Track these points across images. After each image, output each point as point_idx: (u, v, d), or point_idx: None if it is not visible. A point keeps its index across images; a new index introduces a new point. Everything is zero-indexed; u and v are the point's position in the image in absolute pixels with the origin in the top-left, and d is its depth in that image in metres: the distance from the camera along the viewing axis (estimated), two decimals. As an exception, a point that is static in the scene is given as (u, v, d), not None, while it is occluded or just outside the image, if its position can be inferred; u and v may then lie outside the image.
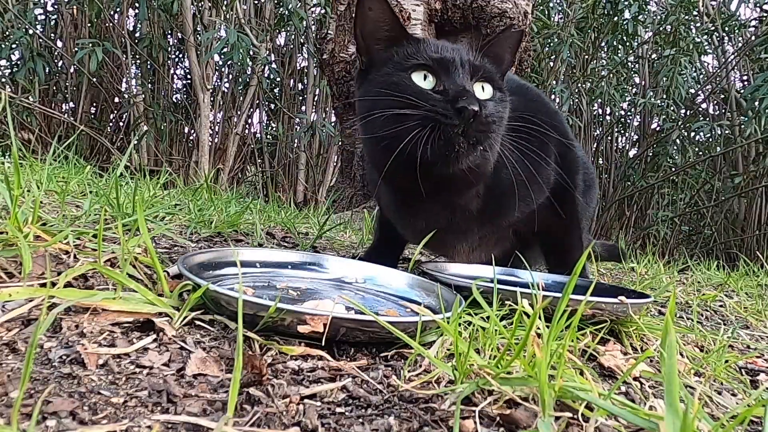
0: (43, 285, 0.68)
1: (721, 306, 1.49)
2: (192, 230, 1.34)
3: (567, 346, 0.54)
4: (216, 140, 5.27)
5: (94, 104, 5.32)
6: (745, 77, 5.48)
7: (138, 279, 0.78)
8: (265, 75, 5.07)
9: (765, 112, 3.97)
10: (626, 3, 4.67)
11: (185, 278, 0.74)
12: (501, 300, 0.83)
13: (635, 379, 0.74)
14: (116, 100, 5.30)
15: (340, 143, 3.50)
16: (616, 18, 4.84)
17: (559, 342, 0.59)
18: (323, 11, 5.19)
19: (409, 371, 0.63)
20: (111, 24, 4.92)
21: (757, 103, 4.06)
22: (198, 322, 0.69)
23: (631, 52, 5.56)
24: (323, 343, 0.64)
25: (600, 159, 6.06)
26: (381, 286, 0.93)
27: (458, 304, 0.73)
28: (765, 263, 2.34)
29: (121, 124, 5.35)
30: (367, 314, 0.63)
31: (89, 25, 5.00)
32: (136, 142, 4.53)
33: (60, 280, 0.68)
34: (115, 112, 5.38)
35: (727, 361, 0.82)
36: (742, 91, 5.21)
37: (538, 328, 0.75)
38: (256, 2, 5.28)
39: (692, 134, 5.74)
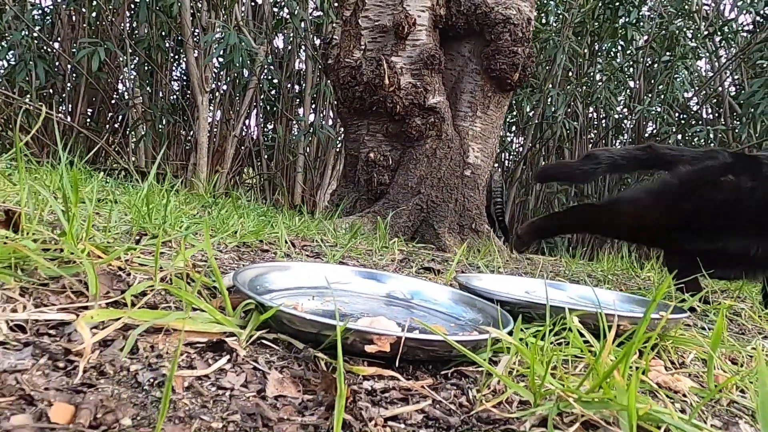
0: (111, 304, 0.70)
1: (735, 315, 1.53)
2: (219, 241, 1.35)
3: (641, 371, 0.56)
4: (215, 142, 5.26)
5: (91, 106, 5.29)
6: (737, 80, 5.55)
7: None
8: (265, 77, 5.07)
9: (761, 117, 4.03)
10: (626, 9, 4.71)
11: (243, 295, 0.75)
12: (540, 315, 0.85)
13: (679, 393, 0.77)
14: (113, 102, 5.28)
15: (344, 148, 3.51)
16: (615, 25, 4.89)
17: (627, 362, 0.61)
18: (320, 14, 5.19)
19: (477, 391, 0.64)
20: (110, 25, 4.90)
21: (752, 109, 4.12)
22: (263, 341, 0.71)
23: (628, 56, 5.61)
24: (397, 364, 0.66)
25: (595, 162, 6.11)
26: (427, 301, 0.95)
27: (519, 322, 0.75)
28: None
29: (117, 125, 5.33)
30: (435, 333, 0.65)
31: (86, 26, 4.97)
32: (134, 144, 4.52)
33: (127, 298, 0.70)
34: (113, 113, 5.35)
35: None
36: (734, 95, 5.29)
37: (589, 343, 0.78)
38: (252, 4, 5.28)
39: (687, 138, 5.80)
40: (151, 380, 0.56)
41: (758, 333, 1.34)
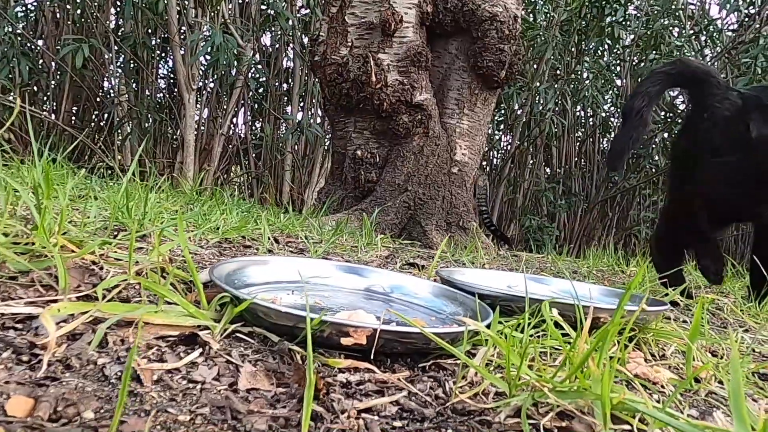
0: (82, 298, 0.68)
1: (718, 309, 1.53)
2: (200, 236, 1.34)
3: (617, 360, 0.56)
4: (202, 140, 5.22)
5: (76, 104, 5.24)
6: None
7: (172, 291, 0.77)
8: (252, 76, 5.03)
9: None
10: (613, 8, 4.72)
11: (219, 288, 0.74)
12: (520, 308, 0.85)
13: (658, 384, 0.76)
14: (98, 99, 5.23)
15: (332, 145, 3.50)
16: (602, 23, 4.90)
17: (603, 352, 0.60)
18: (308, 11, 5.17)
19: (453, 383, 0.64)
20: (95, 22, 4.85)
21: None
22: (238, 334, 0.70)
23: (615, 55, 5.63)
24: (372, 356, 0.65)
25: (583, 160, 6.15)
26: (407, 295, 0.94)
27: (497, 315, 0.75)
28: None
29: (102, 123, 5.28)
30: (412, 326, 0.64)
31: (70, 23, 4.92)
32: (120, 142, 4.47)
33: (98, 292, 0.68)
34: (99, 111, 5.30)
35: (749, 368, 0.85)
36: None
37: (568, 336, 0.77)
38: (240, 1, 5.24)
39: (674, 135, 5.84)
40: (119, 373, 0.55)
41: (739, 326, 1.34)
